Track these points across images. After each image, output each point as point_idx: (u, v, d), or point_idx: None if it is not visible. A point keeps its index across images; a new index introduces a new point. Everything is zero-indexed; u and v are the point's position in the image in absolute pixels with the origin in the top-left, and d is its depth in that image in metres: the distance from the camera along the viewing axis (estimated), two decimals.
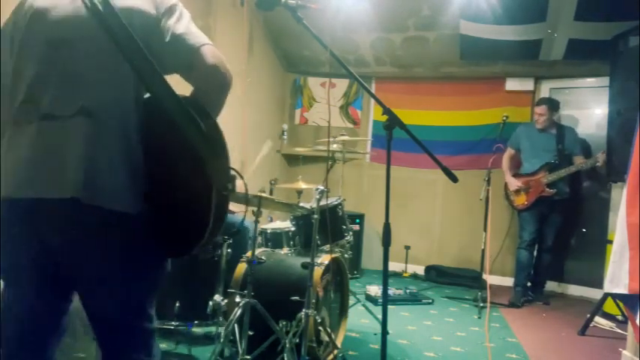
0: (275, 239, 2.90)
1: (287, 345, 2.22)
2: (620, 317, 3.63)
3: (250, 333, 2.25)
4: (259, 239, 2.90)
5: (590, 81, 4.72)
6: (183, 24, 1.20)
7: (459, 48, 4.62)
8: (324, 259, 2.56)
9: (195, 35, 1.19)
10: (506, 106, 4.81)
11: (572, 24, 3.91)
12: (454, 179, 1.49)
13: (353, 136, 5.22)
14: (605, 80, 3.92)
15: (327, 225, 2.69)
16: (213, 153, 1.08)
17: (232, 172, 1.14)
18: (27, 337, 1.18)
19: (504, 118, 4.16)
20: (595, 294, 4.22)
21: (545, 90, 4.89)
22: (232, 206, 3.09)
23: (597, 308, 3.52)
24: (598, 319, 3.63)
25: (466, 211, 5.03)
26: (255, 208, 2.38)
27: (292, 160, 5.62)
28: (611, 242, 3.02)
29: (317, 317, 2.34)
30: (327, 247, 2.77)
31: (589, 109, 4.78)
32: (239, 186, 1.25)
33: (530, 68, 4.81)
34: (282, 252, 2.83)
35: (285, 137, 5.15)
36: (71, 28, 1.15)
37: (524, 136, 4.33)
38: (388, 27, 4.69)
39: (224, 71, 1.19)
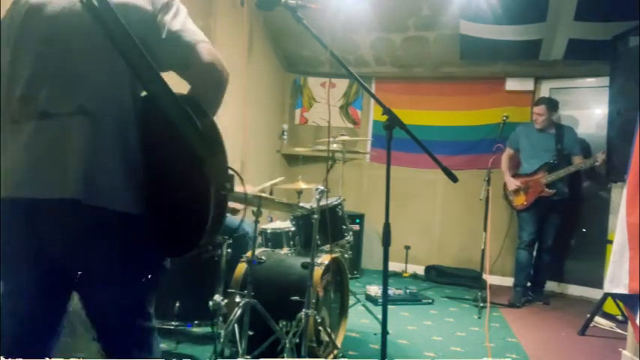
0: (275, 239, 2.90)
1: (287, 345, 2.22)
2: (620, 317, 3.63)
3: (250, 333, 2.25)
4: (259, 239, 2.90)
5: (590, 81, 4.72)
6: (180, 20, 1.18)
7: (459, 48, 4.62)
8: (324, 259, 2.56)
9: (192, 32, 1.18)
10: (506, 106, 4.81)
11: (572, 24, 3.91)
12: (454, 179, 1.49)
13: (353, 136, 5.22)
14: (605, 80, 3.92)
15: (327, 225, 2.69)
16: (211, 151, 1.08)
17: (230, 172, 1.14)
18: (26, 337, 1.18)
19: (504, 118, 4.16)
20: (595, 294, 4.22)
21: (545, 90, 4.89)
22: (234, 205, 3.09)
23: (597, 308, 3.52)
24: (598, 319, 3.63)
25: (466, 211, 5.02)
26: (255, 208, 2.38)
27: (292, 160, 5.62)
28: (611, 242, 3.01)
29: (317, 317, 2.34)
30: (327, 247, 2.77)
31: (589, 109, 4.78)
32: (237, 185, 1.25)
33: (530, 68, 4.81)
34: (282, 252, 2.83)
35: (285, 137, 5.15)
36: (67, 25, 1.14)
37: (523, 135, 4.33)
38: (388, 27, 4.69)
39: (220, 69, 1.18)
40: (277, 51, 5.35)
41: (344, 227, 2.94)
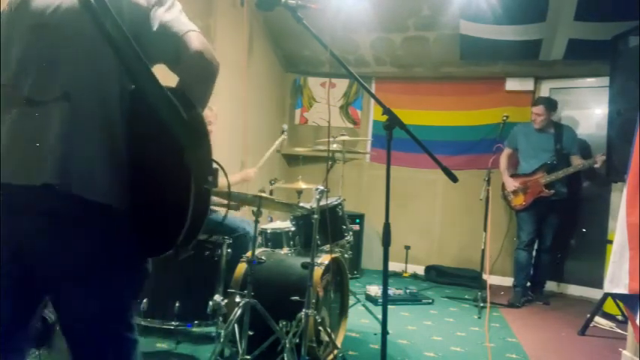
0: (275, 239, 2.90)
1: (287, 345, 2.22)
2: (620, 317, 3.63)
3: (250, 333, 2.25)
4: (259, 239, 2.90)
5: (590, 81, 4.72)
6: (172, 13, 1.17)
7: (459, 48, 4.63)
8: (324, 259, 2.56)
9: (182, 23, 1.16)
10: (506, 106, 4.81)
11: (572, 24, 3.91)
12: (454, 179, 1.49)
13: (353, 136, 5.22)
14: (605, 80, 3.92)
15: (327, 225, 2.69)
16: (194, 144, 1.03)
17: (215, 166, 1.09)
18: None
19: (504, 118, 4.15)
20: (595, 294, 4.22)
21: (545, 90, 4.89)
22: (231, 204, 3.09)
23: (597, 308, 3.52)
24: (598, 319, 3.63)
25: (466, 211, 5.03)
26: (255, 208, 2.38)
27: (292, 160, 5.62)
28: (611, 242, 3.02)
29: (317, 317, 2.34)
30: (327, 247, 2.77)
31: (589, 109, 4.78)
32: (222, 182, 1.19)
33: (530, 68, 4.81)
34: (282, 252, 2.83)
35: (285, 137, 5.14)
36: (56, 15, 1.13)
37: (522, 135, 4.33)
38: (388, 27, 4.69)
39: (209, 58, 1.14)
40: (277, 51, 5.35)
41: (344, 227, 2.94)
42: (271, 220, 3.44)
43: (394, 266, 5.16)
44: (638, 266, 2.19)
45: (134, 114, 1.12)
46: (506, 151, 4.44)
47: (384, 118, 1.53)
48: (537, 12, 3.95)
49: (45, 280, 1.10)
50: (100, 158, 1.07)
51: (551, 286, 4.64)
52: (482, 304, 3.80)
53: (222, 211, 3.13)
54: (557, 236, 4.25)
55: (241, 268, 2.55)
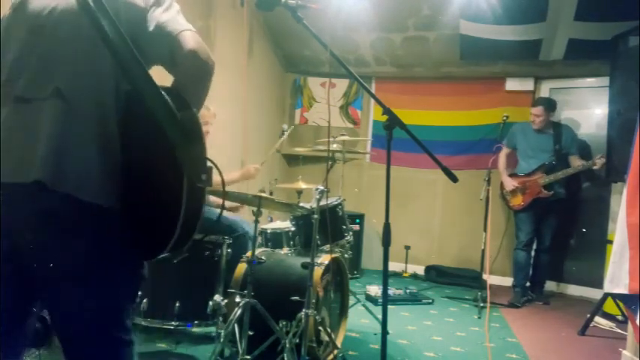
0: (275, 239, 2.90)
1: (287, 345, 2.22)
2: (620, 317, 3.63)
3: (250, 333, 2.25)
4: (259, 239, 2.90)
5: (590, 81, 4.72)
6: (170, 14, 1.16)
7: (459, 48, 4.63)
8: (324, 259, 2.56)
9: (177, 22, 1.15)
10: (506, 106, 4.81)
11: (572, 24, 3.91)
12: (454, 179, 1.49)
13: (353, 136, 5.22)
14: (605, 80, 3.92)
15: (327, 225, 2.69)
16: (187, 142, 1.01)
17: (209, 164, 1.06)
18: None
19: (504, 118, 4.15)
20: (595, 294, 4.22)
21: (545, 90, 4.89)
22: (232, 204, 3.09)
23: (597, 308, 3.52)
24: (598, 319, 3.63)
25: (466, 211, 5.03)
26: (255, 208, 2.38)
27: (292, 160, 5.62)
28: (611, 242, 3.02)
29: (317, 317, 2.34)
30: (327, 247, 2.77)
31: (589, 109, 4.78)
32: (216, 180, 1.18)
33: (530, 68, 4.81)
34: (282, 252, 2.83)
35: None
36: (53, 14, 1.13)
37: (520, 134, 4.32)
38: (388, 27, 4.69)
39: (204, 58, 1.13)
40: (277, 51, 5.35)
41: (344, 227, 2.94)
42: (271, 220, 3.44)
43: (394, 266, 5.16)
44: (638, 266, 2.19)
45: (129, 114, 1.11)
46: (505, 151, 4.44)
47: (384, 118, 1.53)
48: (537, 12, 3.95)
49: (37, 280, 1.08)
50: (94, 157, 1.05)
51: (551, 286, 4.64)
52: (482, 304, 3.80)
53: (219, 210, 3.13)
54: (556, 236, 4.25)
55: (241, 268, 2.55)
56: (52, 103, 1.05)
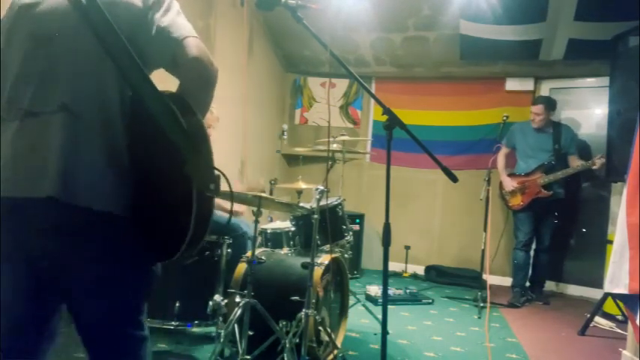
0: (275, 239, 2.90)
1: (287, 345, 2.22)
2: (620, 317, 3.63)
3: (250, 333, 2.25)
4: (259, 239, 2.90)
5: (590, 81, 4.72)
6: (170, 16, 1.16)
7: (459, 48, 4.63)
8: (324, 259, 2.56)
9: (180, 27, 1.15)
10: (506, 106, 4.82)
11: (572, 24, 3.91)
12: (454, 179, 1.49)
13: (353, 136, 5.22)
14: (605, 80, 3.92)
15: (327, 225, 2.69)
16: (195, 151, 1.02)
17: (217, 172, 1.07)
18: (11, 341, 1.12)
19: (504, 118, 4.15)
20: (595, 294, 4.22)
21: (545, 90, 4.89)
22: (236, 207, 3.09)
23: (597, 308, 3.52)
24: (598, 319, 3.63)
25: (466, 211, 5.03)
26: (255, 208, 2.38)
27: (292, 160, 5.62)
28: (611, 242, 3.02)
29: (317, 317, 2.34)
30: (327, 247, 2.77)
31: (589, 109, 4.78)
32: (224, 186, 1.20)
33: (530, 68, 4.81)
34: (282, 252, 2.83)
35: (285, 137, 5.16)
36: (55, 24, 1.12)
37: (520, 134, 4.32)
38: (388, 27, 4.69)
39: (208, 65, 1.14)
40: (277, 51, 5.35)
41: (344, 227, 2.93)
42: (271, 220, 3.45)
43: (394, 266, 5.16)
44: (638, 266, 2.19)
45: (135, 121, 1.12)
46: (504, 150, 4.43)
47: (384, 118, 1.53)
48: (537, 12, 3.95)
49: (58, 290, 1.13)
50: (104, 167, 1.07)
51: (550, 286, 4.64)
52: (482, 304, 3.80)
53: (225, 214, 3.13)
54: (555, 236, 4.25)
55: (241, 268, 2.55)
56: (60, 117, 1.06)
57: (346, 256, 3.13)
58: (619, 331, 3.50)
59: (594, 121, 4.70)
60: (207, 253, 2.53)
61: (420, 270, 5.12)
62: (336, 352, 2.53)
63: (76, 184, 1.04)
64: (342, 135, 3.42)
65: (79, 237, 1.07)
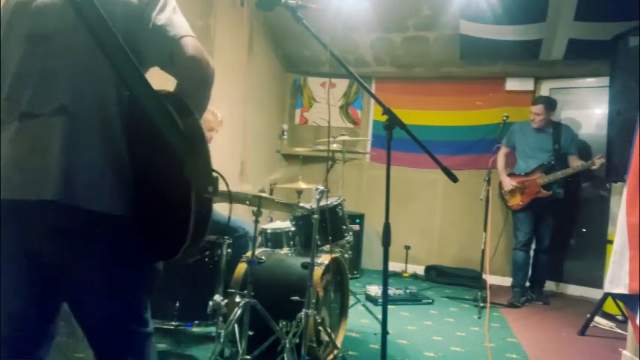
0: (275, 239, 2.90)
1: (287, 345, 2.22)
2: (620, 317, 3.63)
3: (250, 333, 2.25)
4: (259, 239, 2.90)
5: (590, 81, 4.72)
6: (166, 14, 1.15)
7: (459, 48, 4.63)
8: (324, 259, 2.56)
9: (176, 26, 1.14)
10: (506, 106, 4.82)
11: (572, 24, 3.91)
12: (454, 179, 1.49)
13: (353, 136, 5.22)
14: (605, 80, 3.92)
15: (327, 225, 2.69)
16: (192, 153, 1.02)
17: (215, 174, 1.08)
18: (11, 340, 1.12)
19: (504, 118, 4.14)
20: (595, 294, 4.22)
21: (545, 90, 4.89)
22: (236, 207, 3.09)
23: (597, 308, 3.52)
24: (598, 319, 3.63)
25: (466, 211, 5.03)
26: (255, 208, 2.38)
27: (292, 160, 5.62)
28: (611, 242, 3.02)
29: (317, 317, 2.34)
30: (327, 247, 2.77)
31: (589, 109, 4.78)
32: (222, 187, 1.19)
33: (530, 68, 4.81)
34: (282, 252, 2.83)
35: (285, 137, 5.16)
36: (50, 23, 1.12)
37: (519, 134, 4.32)
38: (388, 27, 4.69)
39: (204, 65, 1.14)
40: (277, 51, 5.35)
41: (344, 227, 2.93)
42: (271, 220, 3.44)
43: (394, 266, 5.16)
44: (638, 266, 2.19)
45: (134, 121, 1.12)
46: (504, 150, 4.43)
47: (384, 118, 1.53)
48: (537, 12, 3.95)
49: (59, 290, 1.14)
50: (103, 168, 1.07)
51: (550, 285, 4.64)
52: (482, 304, 3.80)
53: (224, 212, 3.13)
54: (555, 236, 4.25)
55: (241, 268, 2.55)
56: (59, 118, 1.06)
57: (346, 256, 3.13)
58: (619, 331, 3.50)
59: (594, 121, 4.70)
60: (207, 253, 2.53)
61: (420, 270, 5.12)
62: (336, 352, 2.53)
63: (76, 186, 1.04)
64: (342, 135, 3.42)
65: (79, 238, 1.08)
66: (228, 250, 2.61)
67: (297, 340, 2.26)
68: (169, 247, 1.10)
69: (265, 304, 2.29)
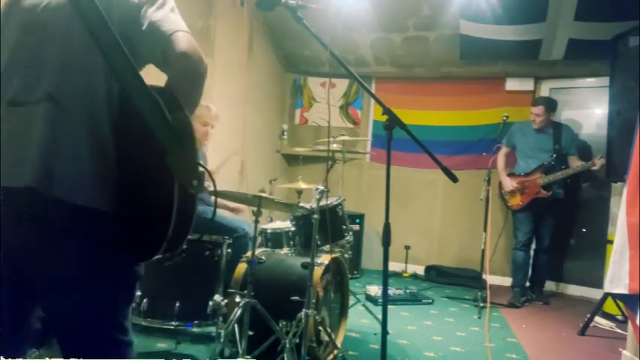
0: (275, 239, 2.90)
1: (287, 345, 2.22)
2: (620, 317, 3.63)
3: (250, 333, 2.25)
4: (259, 239, 2.90)
5: (590, 81, 4.72)
6: (163, 12, 1.14)
7: (459, 48, 4.63)
8: (324, 259, 2.56)
9: (171, 22, 1.13)
10: (506, 106, 4.81)
11: (572, 24, 3.91)
12: (454, 179, 1.49)
13: (353, 136, 5.22)
14: (605, 80, 3.92)
15: (327, 225, 2.69)
16: (178, 147, 1.00)
17: (201, 169, 1.05)
18: None
19: (504, 118, 4.14)
20: (595, 294, 4.22)
21: (545, 90, 4.89)
22: (236, 205, 3.09)
23: (597, 308, 3.52)
24: (598, 319, 3.63)
25: (466, 211, 5.03)
26: (255, 208, 2.38)
27: (292, 160, 5.62)
28: (611, 242, 3.02)
29: (317, 317, 2.34)
30: (327, 247, 2.77)
31: (589, 109, 4.78)
32: (208, 184, 1.17)
33: (530, 68, 4.81)
34: (282, 252, 2.83)
35: (285, 137, 5.16)
36: (47, 13, 1.12)
37: (520, 134, 4.32)
38: (388, 27, 4.69)
39: (197, 60, 1.12)
40: (277, 51, 5.35)
41: (344, 227, 2.93)
42: (271, 220, 3.44)
43: (394, 266, 5.16)
44: (638, 266, 2.19)
45: (121, 115, 1.10)
46: (504, 150, 4.43)
47: (384, 118, 1.53)
48: (537, 12, 3.95)
49: (34, 285, 1.09)
50: (86, 161, 1.04)
51: (550, 286, 4.64)
52: (482, 304, 3.80)
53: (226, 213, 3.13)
54: (555, 236, 4.25)
55: (241, 268, 2.55)
56: (44, 106, 1.04)
57: (346, 256, 3.13)
58: (619, 331, 3.50)
59: (594, 121, 4.70)
60: (207, 253, 2.53)
61: (420, 270, 5.12)
62: (336, 352, 2.53)
63: (55, 175, 1.01)
64: (342, 135, 3.42)
65: (57, 230, 1.04)
66: (228, 250, 2.61)
67: (297, 340, 2.26)
68: (149, 245, 1.05)
69: (265, 304, 2.29)
